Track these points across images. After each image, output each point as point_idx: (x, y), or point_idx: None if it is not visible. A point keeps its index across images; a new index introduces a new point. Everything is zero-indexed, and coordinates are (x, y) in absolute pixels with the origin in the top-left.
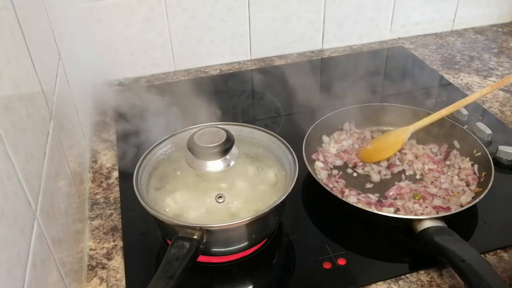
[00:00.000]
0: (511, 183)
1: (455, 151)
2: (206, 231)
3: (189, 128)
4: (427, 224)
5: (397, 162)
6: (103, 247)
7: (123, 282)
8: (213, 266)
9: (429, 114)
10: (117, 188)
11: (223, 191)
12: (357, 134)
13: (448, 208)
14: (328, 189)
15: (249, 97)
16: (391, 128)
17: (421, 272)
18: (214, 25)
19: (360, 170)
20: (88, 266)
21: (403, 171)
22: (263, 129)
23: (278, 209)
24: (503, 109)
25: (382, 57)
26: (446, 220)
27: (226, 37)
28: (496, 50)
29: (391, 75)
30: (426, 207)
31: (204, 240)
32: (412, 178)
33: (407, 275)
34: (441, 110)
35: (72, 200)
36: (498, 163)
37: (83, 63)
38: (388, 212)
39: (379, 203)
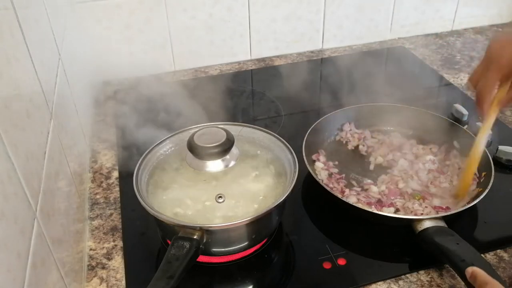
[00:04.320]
0: (511, 183)
1: (455, 151)
2: (206, 231)
3: (189, 128)
4: (427, 224)
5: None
6: (103, 247)
7: (123, 282)
8: (213, 266)
9: (429, 114)
10: (117, 188)
11: (223, 191)
12: (357, 134)
13: (448, 208)
14: (328, 189)
15: (249, 97)
16: (391, 128)
17: (421, 272)
18: (214, 25)
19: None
20: (88, 266)
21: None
22: (263, 129)
23: (278, 209)
24: (503, 109)
25: (382, 57)
26: (446, 220)
27: (226, 37)
28: None
29: (391, 75)
30: (426, 207)
31: (204, 240)
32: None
33: (407, 275)
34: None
35: (72, 200)
36: (498, 163)
37: (83, 63)
38: (388, 212)
39: (379, 203)
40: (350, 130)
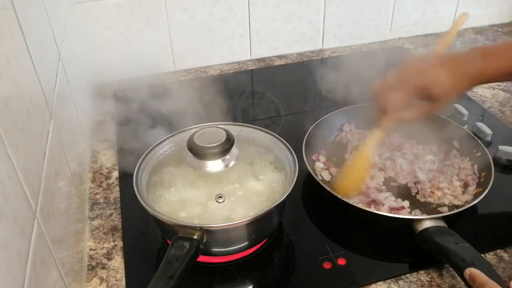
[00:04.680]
0: (511, 183)
1: (455, 151)
2: (206, 231)
3: (189, 128)
4: (427, 224)
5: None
6: (103, 247)
7: (123, 282)
8: (213, 266)
9: None
10: (117, 188)
11: (223, 191)
12: (357, 134)
13: (402, 208)
14: (328, 189)
15: (249, 97)
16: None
17: (421, 272)
18: (214, 25)
19: None
20: (88, 266)
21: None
22: (263, 129)
23: (278, 209)
24: (503, 109)
25: (382, 57)
26: (446, 220)
27: (226, 37)
28: None
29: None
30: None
31: (204, 240)
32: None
33: (407, 275)
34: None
35: (72, 200)
36: (498, 163)
37: (83, 63)
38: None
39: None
40: (350, 130)
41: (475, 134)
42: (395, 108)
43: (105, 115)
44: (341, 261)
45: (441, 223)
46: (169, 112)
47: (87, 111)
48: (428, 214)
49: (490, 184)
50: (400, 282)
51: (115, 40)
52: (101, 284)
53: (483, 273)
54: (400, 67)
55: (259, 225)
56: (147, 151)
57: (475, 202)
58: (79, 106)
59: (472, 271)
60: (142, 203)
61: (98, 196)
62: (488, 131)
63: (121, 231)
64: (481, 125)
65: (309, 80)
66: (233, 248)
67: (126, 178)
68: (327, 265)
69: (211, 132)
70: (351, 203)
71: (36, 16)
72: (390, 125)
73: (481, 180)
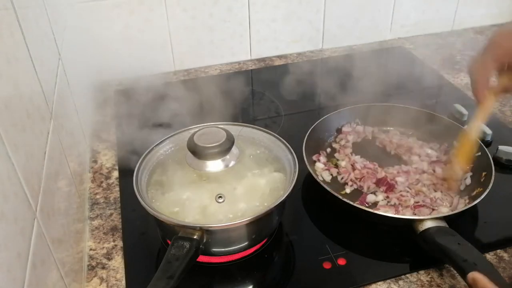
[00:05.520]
0: (511, 183)
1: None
2: (206, 231)
3: (189, 128)
4: (429, 224)
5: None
6: (103, 247)
7: (123, 282)
8: (213, 266)
9: (429, 114)
10: (117, 188)
11: (223, 191)
12: (357, 134)
13: (422, 205)
14: (329, 189)
15: (249, 97)
16: (391, 129)
17: (421, 272)
18: (214, 25)
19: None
20: (88, 266)
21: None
22: (263, 129)
23: (278, 209)
24: (503, 109)
25: (382, 57)
26: (446, 220)
27: (226, 37)
28: None
29: (391, 75)
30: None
31: (204, 240)
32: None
33: (407, 275)
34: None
35: (72, 200)
36: (498, 163)
37: (83, 63)
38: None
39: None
40: (351, 130)
41: None
42: (486, 80)
43: (105, 115)
44: (341, 261)
45: (442, 223)
46: (169, 112)
47: (87, 111)
48: (429, 214)
49: (490, 184)
50: (400, 282)
51: (115, 40)
52: (101, 284)
53: (486, 273)
54: (488, 39)
55: (259, 225)
56: (147, 151)
57: (475, 202)
58: (79, 106)
59: (474, 276)
60: (142, 203)
61: (98, 196)
62: (488, 131)
63: (121, 231)
64: (481, 125)
65: (309, 80)
66: (233, 248)
67: (126, 178)
68: (327, 265)
69: (211, 132)
70: (351, 203)
71: (36, 16)
72: (490, 100)
73: (481, 180)
